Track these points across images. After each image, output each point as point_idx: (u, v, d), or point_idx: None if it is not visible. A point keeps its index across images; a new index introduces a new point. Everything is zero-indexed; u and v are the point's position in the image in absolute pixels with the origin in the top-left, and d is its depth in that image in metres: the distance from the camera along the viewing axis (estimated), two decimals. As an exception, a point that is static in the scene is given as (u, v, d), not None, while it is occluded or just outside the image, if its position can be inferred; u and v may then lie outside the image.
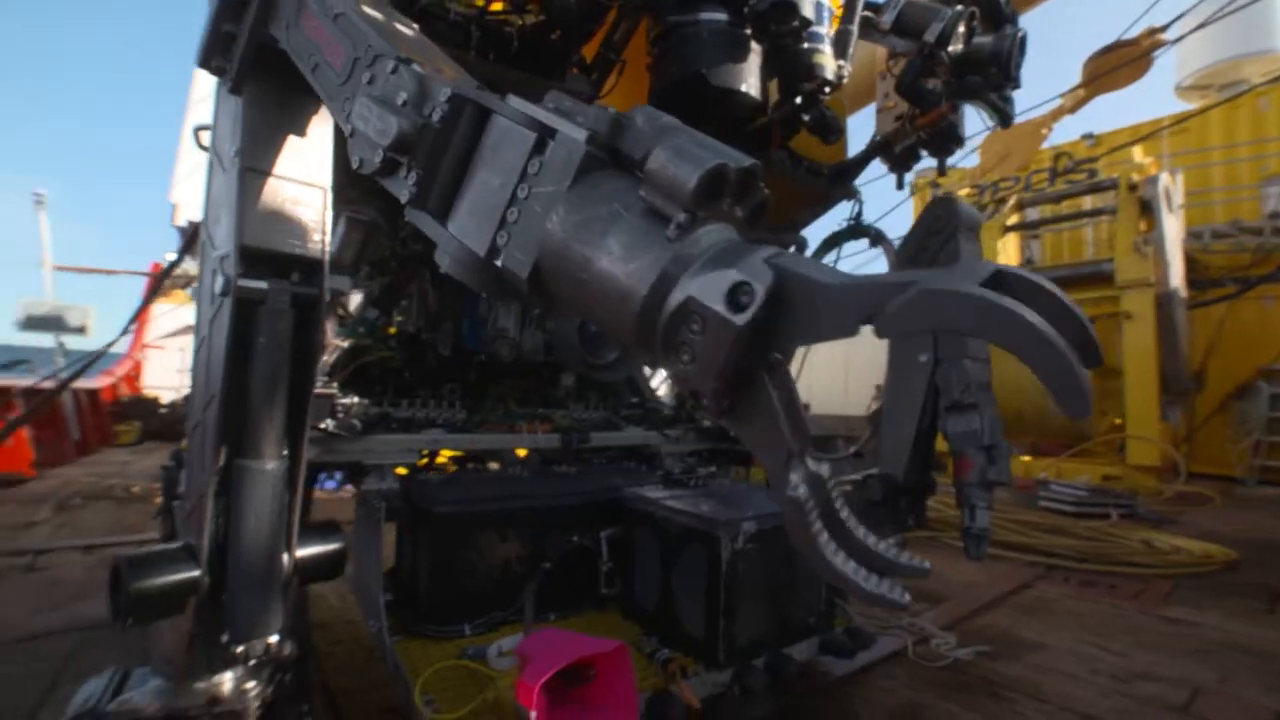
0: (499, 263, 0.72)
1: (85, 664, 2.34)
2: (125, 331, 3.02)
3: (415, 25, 1.09)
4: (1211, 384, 8.08)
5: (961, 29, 2.16)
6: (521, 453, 2.52)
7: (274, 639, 1.23)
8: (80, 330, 13.27)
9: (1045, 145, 8.78)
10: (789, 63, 1.83)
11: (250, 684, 1.27)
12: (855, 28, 2.06)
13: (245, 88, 1.17)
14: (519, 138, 0.71)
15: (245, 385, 1.16)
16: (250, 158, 1.17)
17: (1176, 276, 6.93)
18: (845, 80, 2.02)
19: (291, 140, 1.21)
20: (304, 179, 1.21)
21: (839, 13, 2.14)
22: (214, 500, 1.17)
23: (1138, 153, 7.63)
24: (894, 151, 2.48)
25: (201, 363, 1.22)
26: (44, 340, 13.70)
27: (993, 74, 2.27)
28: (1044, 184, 8.68)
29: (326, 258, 1.24)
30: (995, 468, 2.17)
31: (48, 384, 6.50)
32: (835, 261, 2.76)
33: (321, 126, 1.25)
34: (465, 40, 1.75)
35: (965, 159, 9.38)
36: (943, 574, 3.64)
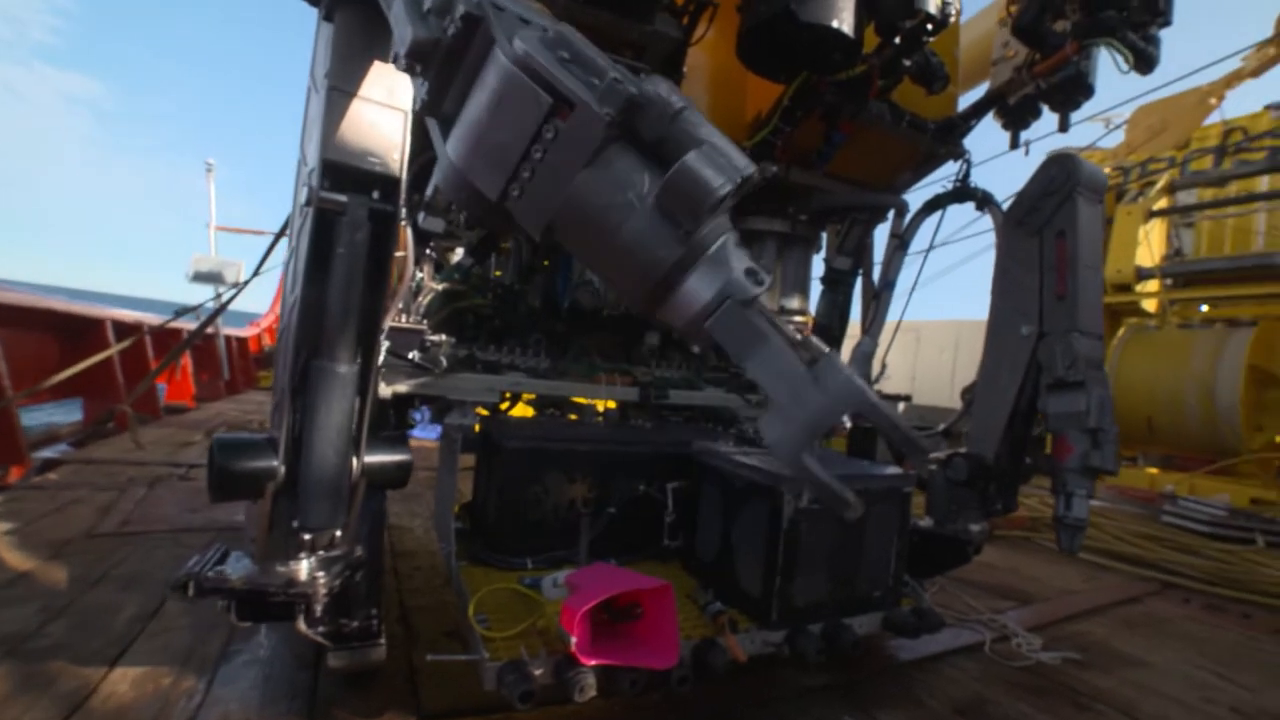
0: (509, 207, 0.78)
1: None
2: (255, 275, 3.33)
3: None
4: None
5: (1099, -40, 1.95)
6: (602, 405, 2.56)
7: (339, 533, 1.32)
8: (235, 285, 14.81)
9: (1213, 120, 7.76)
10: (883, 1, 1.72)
11: (321, 574, 1.38)
12: (967, -38, 1.90)
13: (335, 14, 1.25)
14: (531, 97, 0.73)
15: (324, 292, 1.25)
16: (337, 78, 1.24)
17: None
18: (951, 19, 1.87)
19: (376, 65, 1.27)
20: (386, 101, 1.27)
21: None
22: (292, 398, 1.27)
23: (1331, 128, 6.59)
24: (1009, 105, 2.28)
25: (290, 271, 1.32)
26: (209, 294, 15.41)
27: (1134, 7, 2.02)
28: (1206, 165, 7.69)
29: (404, 177, 1.30)
30: (1100, 453, 1.98)
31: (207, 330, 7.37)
32: (938, 226, 2.59)
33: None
34: (554, -20, 1.77)
35: (1109, 138, 8.50)
36: (1035, 575, 3.38)
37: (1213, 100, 6.46)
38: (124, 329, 5.78)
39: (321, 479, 1.28)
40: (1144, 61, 2.04)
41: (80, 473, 4.02)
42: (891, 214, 2.59)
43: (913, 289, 2.75)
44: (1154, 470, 6.95)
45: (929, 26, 1.78)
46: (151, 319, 6.55)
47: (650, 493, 2.15)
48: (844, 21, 1.69)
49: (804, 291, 2.67)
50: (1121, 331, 7.10)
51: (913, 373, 9.88)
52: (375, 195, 1.28)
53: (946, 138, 2.41)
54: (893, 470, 2.05)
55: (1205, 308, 7.45)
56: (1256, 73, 6.14)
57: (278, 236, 2.97)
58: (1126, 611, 3.06)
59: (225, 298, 4.33)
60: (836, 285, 2.69)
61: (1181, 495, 5.46)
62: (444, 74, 0.79)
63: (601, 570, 1.72)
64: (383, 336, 1.57)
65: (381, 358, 1.84)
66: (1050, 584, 3.26)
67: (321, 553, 1.39)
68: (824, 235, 2.83)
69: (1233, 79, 6.26)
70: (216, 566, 1.39)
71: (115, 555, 2.61)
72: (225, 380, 9.11)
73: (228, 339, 9.46)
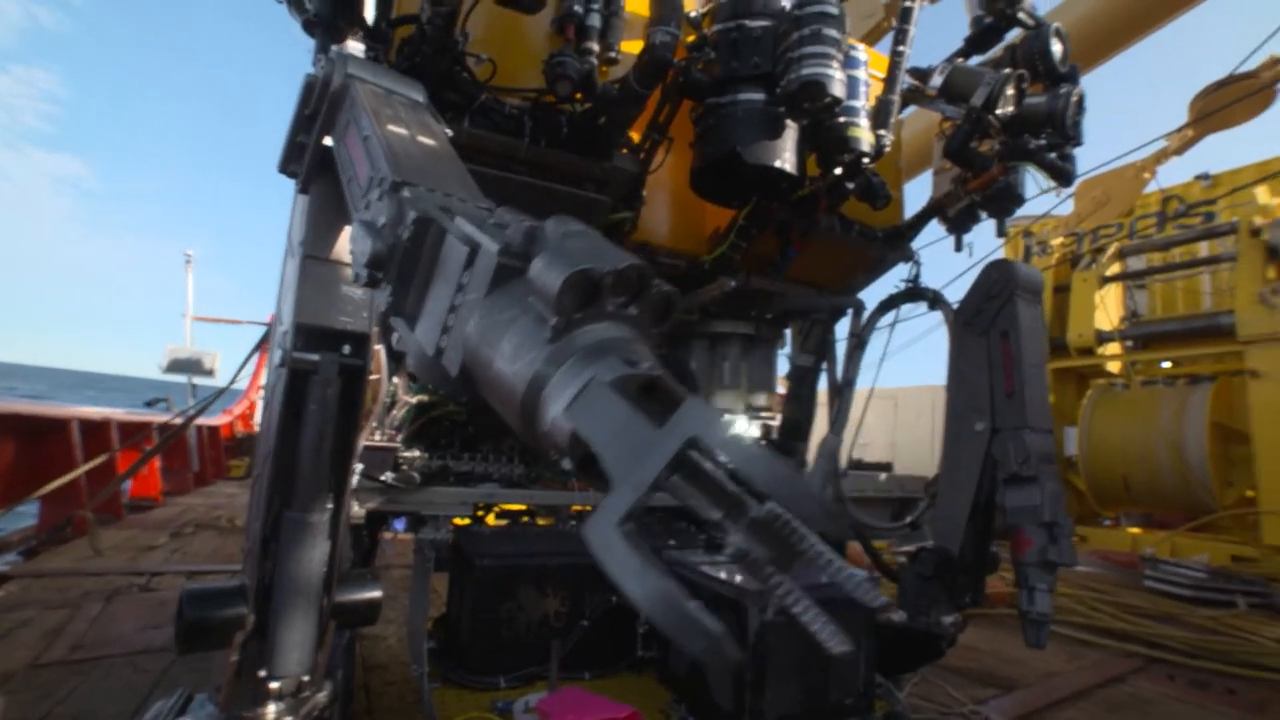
0: (442, 362, 0.81)
1: (174, 683, 2.58)
2: (237, 374, 3.37)
3: (444, 130, 1.23)
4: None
5: (1010, 91, 2.15)
6: (577, 508, 2.59)
7: (307, 678, 1.33)
8: (209, 373, 14.74)
9: (1151, 189, 8.23)
10: (824, 137, 1.88)
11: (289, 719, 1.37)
12: (896, 98, 2.09)
13: (311, 188, 1.36)
14: (458, 252, 0.81)
15: (296, 445, 1.30)
16: (312, 246, 1.34)
17: (1312, 332, 6.23)
18: (887, 149, 2.04)
19: (347, 230, 1.37)
20: (355, 263, 1.37)
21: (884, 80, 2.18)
22: (264, 546, 1.31)
23: (1262, 193, 7.01)
24: (948, 214, 2.45)
25: (264, 425, 1.38)
26: (180, 380, 15.31)
27: (1049, 134, 2.22)
28: (1151, 230, 8.11)
29: (373, 332, 1.38)
30: (1057, 547, 2.04)
31: (177, 420, 7.26)
32: (893, 324, 2.73)
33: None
34: (519, 129, 1.92)
35: (1063, 205, 8.93)
36: (1018, 657, 3.36)
37: (1146, 174, 6.89)
38: (90, 428, 5.66)
39: (291, 626, 1.30)
40: (1061, 176, 2.23)
41: (29, 589, 3.79)
42: (850, 313, 2.73)
43: (881, 362, 2.87)
44: (1136, 530, 7.00)
45: (863, 161, 1.95)
46: (119, 414, 6.44)
47: (622, 603, 2.16)
48: (786, 160, 1.85)
49: (769, 388, 2.77)
50: (1090, 393, 7.30)
51: (893, 439, 9.99)
52: (346, 350, 1.36)
53: (895, 244, 2.57)
54: (858, 573, 2.08)
55: (1168, 364, 7.70)
56: (1179, 151, 6.61)
57: (254, 349, 3.03)
58: (1111, 693, 3.05)
59: (194, 409, 4.32)
60: (801, 381, 2.80)
61: (1162, 557, 5.48)
62: (403, 277, 0.87)
63: (571, 696, 1.72)
64: (355, 461, 1.62)
65: (355, 481, 1.89)
66: (1033, 666, 3.25)
67: (289, 697, 1.39)
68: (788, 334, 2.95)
69: (1161, 156, 6.71)
70: (178, 718, 1.38)
71: (61, 689, 2.44)
72: (194, 472, 8.86)
73: (199, 428, 9.26)
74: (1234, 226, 6.59)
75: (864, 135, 1.91)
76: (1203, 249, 7.57)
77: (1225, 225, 6.85)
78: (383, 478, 2.04)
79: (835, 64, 1.76)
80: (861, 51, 2.02)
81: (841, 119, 1.86)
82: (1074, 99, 2.20)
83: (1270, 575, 5.54)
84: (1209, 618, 4.19)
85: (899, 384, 10.29)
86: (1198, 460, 6.29)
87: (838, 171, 1.99)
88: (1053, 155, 2.27)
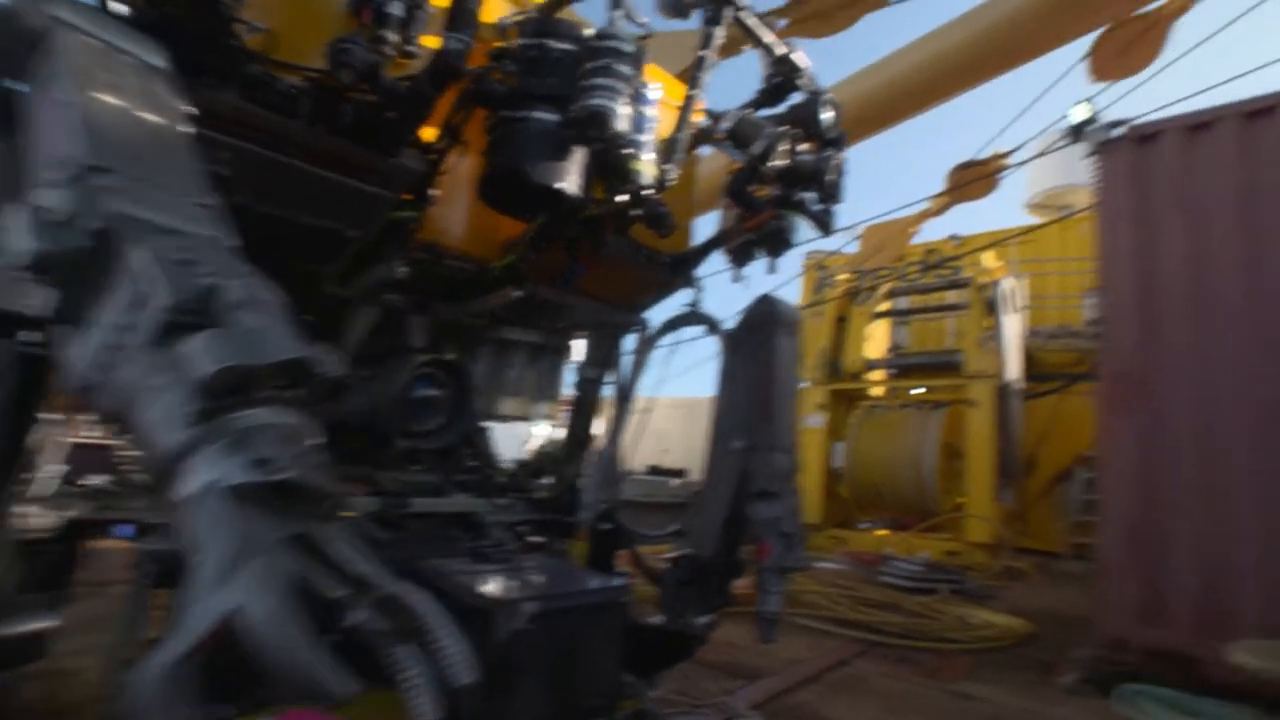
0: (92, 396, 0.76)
1: None
2: None
3: (182, 108, 1.11)
4: (1043, 468, 8.94)
5: (784, 147, 2.40)
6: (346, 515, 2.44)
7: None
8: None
9: (921, 240, 9.67)
10: (609, 166, 1.96)
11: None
12: (684, 136, 2.24)
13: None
14: (129, 286, 0.75)
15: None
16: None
17: (1014, 370, 7.69)
18: (670, 183, 2.18)
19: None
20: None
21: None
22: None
23: (989, 257, 8.51)
24: (730, 247, 2.67)
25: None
26: None
27: (814, 189, 2.51)
28: (915, 275, 9.50)
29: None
30: (792, 554, 2.31)
31: None
32: (674, 346, 2.91)
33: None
34: (293, 109, 1.77)
35: (852, 244, 10.05)
36: (768, 650, 3.76)
37: (911, 229, 8.07)
38: None
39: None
40: (821, 227, 2.54)
41: None
42: (638, 330, 2.87)
43: (664, 377, 3.07)
44: (883, 532, 8.11)
45: (646, 192, 2.06)
46: None
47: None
48: (570, 183, 1.90)
49: (553, 397, 2.82)
50: (857, 412, 8.36)
51: (690, 446, 10.62)
52: (26, 334, 1.16)
53: (680, 270, 2.75)
54: (612, 582, 2.20)
55: (920, 390, 9.07)
56: (939, 213, 7.83)
57: None
58: (837, 675, 3.53)
59: None
60: (585, 392, 2.89)
61: (897, 556, 6.43)
62: (71, 286, 0.77)
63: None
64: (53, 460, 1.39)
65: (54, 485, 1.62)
66: (779, 656, 3.65)
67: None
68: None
69: (923, 216, 7.90)
70: None
71: None
72: None
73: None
74: (968, 281, 7.95)
75: (646, 169, 2.02)
76: (950, 296, 9.03)
77: (963, 279, 8.22)
78: (91, 481, 1.77)
79: (622, 99, 1.84)
80: (655, 90, 2.14)
81: (625, 151, 1.95)
82: (834, 162, 2.52)
83: (969, 566, 6.76)
84: (920, 604, 5.01)
85: (701, 395, 10.97)
86: (929, 472, 7.47)
87: (620, 199, 2.08)
88: (819, 207, 2.57)
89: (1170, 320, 3.78)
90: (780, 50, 2.56)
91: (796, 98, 2.65)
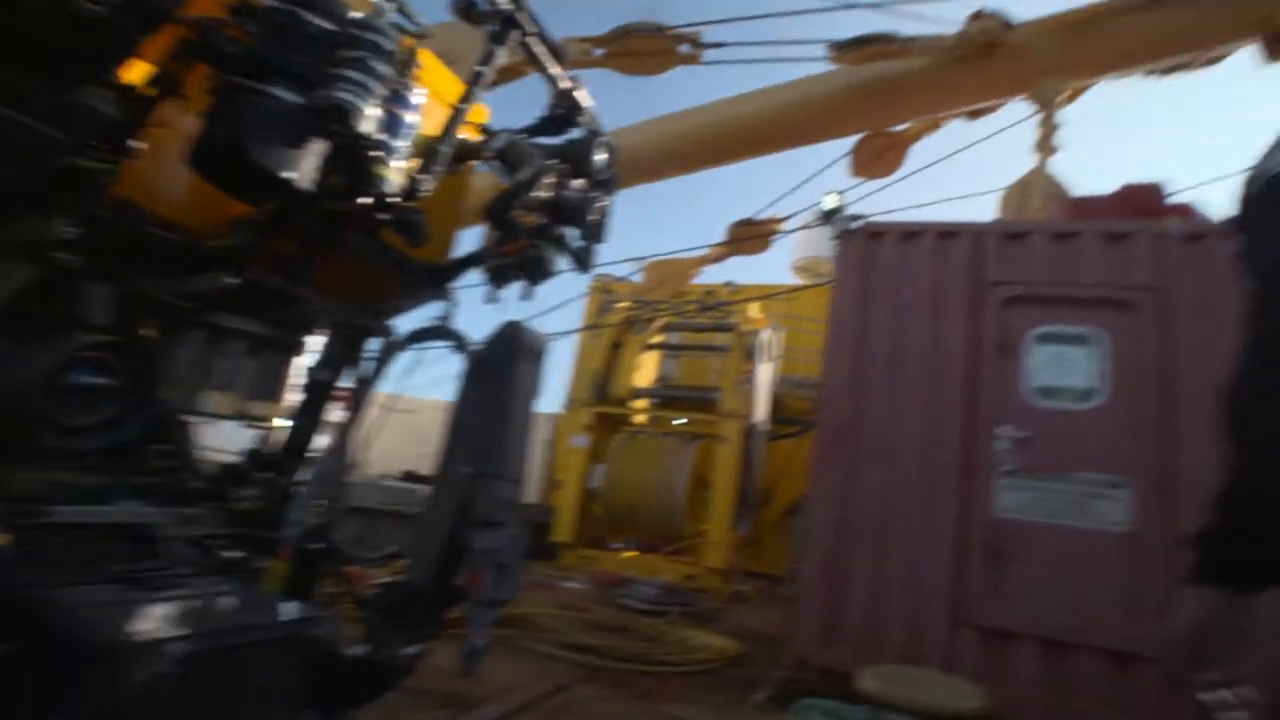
0: None
1: None
2: None
3: None
4: (778, 501, 10.07)
5: (550, 179, 2.43)
6: None
7: None
8: None
9: (702, 281, 10.46)
10: (351, 166, 1.82)
11: None
12: (448, 149, 2.16)
13: None
14: None
15: None
16: None
17: (762, 412, 8.59)
18: (424, 193, 2.08)
19: None
20: None
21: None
22: None
23: (754, 308, 9.47)
24: (487, 268, 2.63)
25: None
26: None
27: (578, 226, 2.57)
28: (692, 312, 10.23)
29: None
30: (504, 586, 2.29)
31: None
32: (419, 358, 2.78)
33: None
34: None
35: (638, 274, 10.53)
36: (490, 675, 3.71)
37: (691, 271, 8.72)
38: None
39: None
40: (579, 264, 2.59)
41: None
42: (384, 336, 2.69)
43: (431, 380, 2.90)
44: (632, 554, 8.50)
45: (392, 199, 1.94)
46: None
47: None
48: (302, 175, 1.71)
49: (274, 396, 2.53)
50: (620, 436, 8.72)
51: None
52: None
53: (435, 281, 2.63)
54: (303, 611, 2.00)
55: (682, 421, 9.71)
56: (717, 260, 8.57)
57: None
58: (555, 701, 3.57)
59: None
60: (313, 394, 2.63)
61: (639, 578, 6.76)
62: None
63: None
64: None
65: None
66: (499, 683, 3.61)
67: None
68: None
69: (704, 260, 8.59)
70: None
71: None
72: None
73: None
74: (734, 327, 8.76)
75: (392, 175, 1.91)
76: (718, 338, 9.85)
77: (730, 325, 9.04)
78: None
79: (374, 98, 1.72)
80: (419, 95, 2.03)
81: (372, 154, 1.82)
82: (600, 204, 2.60)
83: (703, 588, 7.34)
84: (651, 626, 5.30)
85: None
86: (679, 499, 8.01)
87: (360, 201, 1.93)
88: (580, 244, 2.63)
89: (872, 388, 4.49)
90: (565, 84, 2.60)
91: (576, 133, 2.71)
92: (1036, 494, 4.09)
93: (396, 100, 1.90)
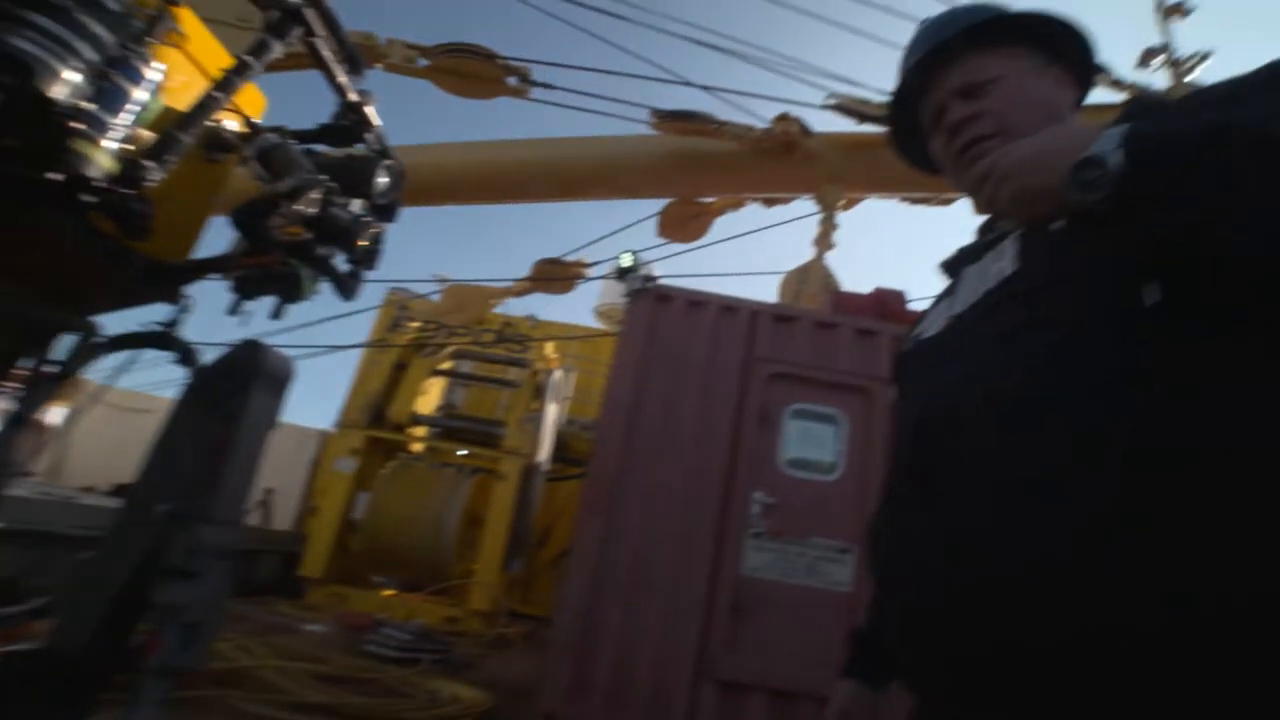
0: None
1: None
2: None
3: None
4: (554, 542, 10.00)
5: (318, 195, 2.21)
6: None
7: None
8: None
9: (503, 311, 10.26)
10: (37, 137, 1.49)
11: None
12: (187, 137, 1.87)
13: None
14: None
15: None
16: None
17: (544, 453, 8.55)
18: (147, 183, 1.77)
19: None
20: None
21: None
22: None
23: (550, 346, 9.50)
24: (229, 275, 2.30)
25: None
26: None
27: (346, 249, 2.36)
28: (490, 341, 9.97)
29: None
30: (189, 652, 1.93)
31: None
32: (129, 365, 2.34)
33: None
34: None
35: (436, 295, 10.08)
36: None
37: (492, 300, 8.55)
38: None
39: None
40: (341, 289, 2.37)
41: None
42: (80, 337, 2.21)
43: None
44: (390, 592, 7.86)
45: (96, 181, 1.62)
46: None
47: None
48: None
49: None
50: (391, 464, 8.13)
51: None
52: None
53: (161, 280, 2.24)
54: None
55: (465, 452, 9.32)
56: (520, 294, 8.51)
57: None
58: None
59: None
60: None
61: (391, 621, 6.22)
62: None
63: None
64: None
65: None
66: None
67: None
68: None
69: (507, 291, 8.48)
70: None
71: None
72: None
73: None
74: (528, 364, 8.69)
75: (98, 156, 1.60)
76: (511, 373, 9.69)
77: (525, 360, 8.95)
78: None
79: (76, 59, 1.43)
80: (155, 71, 1.73)
81: (75, 126, 1.51)
82: (374, 229, 2.42)
83: (464, 632, 6.97)
84: (399, 678, 4.87)
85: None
86: (448, 536, 7.62)
87: (58, 177, 1.59)
88: (346, 269, 2.41)
89: (641, 445, 4.66)
90: (352, 96, 2.41)
91: (360, 148, 2.52)
92: (778, 555, 4.50)
93: (118, 67, 1.60)
